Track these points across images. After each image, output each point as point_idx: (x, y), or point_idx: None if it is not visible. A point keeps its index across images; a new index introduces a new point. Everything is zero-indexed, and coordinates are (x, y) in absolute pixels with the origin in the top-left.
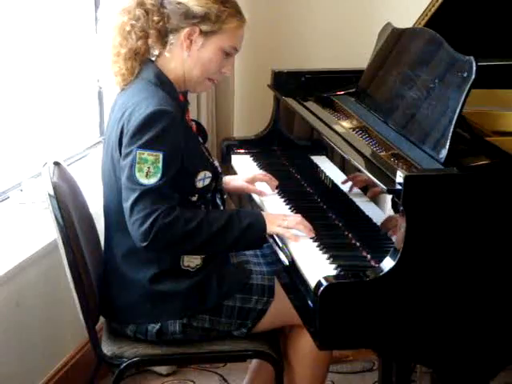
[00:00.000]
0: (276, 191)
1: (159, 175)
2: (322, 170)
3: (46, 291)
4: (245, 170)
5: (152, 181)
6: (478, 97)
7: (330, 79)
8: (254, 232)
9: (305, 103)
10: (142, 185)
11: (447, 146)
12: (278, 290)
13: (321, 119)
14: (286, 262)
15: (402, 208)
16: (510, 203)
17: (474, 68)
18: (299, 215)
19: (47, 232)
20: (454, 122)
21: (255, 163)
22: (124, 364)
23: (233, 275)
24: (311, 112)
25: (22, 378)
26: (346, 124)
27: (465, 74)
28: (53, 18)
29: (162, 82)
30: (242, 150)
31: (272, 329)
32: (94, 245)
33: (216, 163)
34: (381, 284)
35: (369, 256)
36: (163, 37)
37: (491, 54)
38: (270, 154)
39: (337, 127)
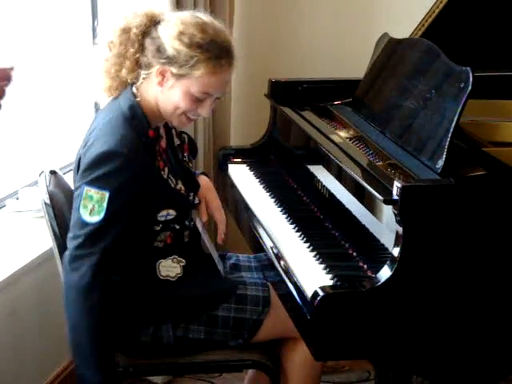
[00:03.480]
0: (273, 200)
1: (102, 214)
2: (319, 180)
3: (40, 300)
4: (241, 180)
5: (94, 219)
6: (475, 107)
7: (326, 89)
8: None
9: (302, 112)
10: (83, 222)
11: (444, 157)
12: (275, 301)
13: (317, 129)
14: (282, 272)
15: (398, 218)
16: (506, 213)
17: (471, 79)
18: None
19: (43, 241)
20: (450, 133)
21: (251, 172)
22: (119, 373)
23: (220, 286)
24: (308, 121)
25: None
26: (343, 134)
27: (461, 85)
28: (50, 28)
29: (134, 115)
30: (239, 159)
31: (270, 339)
32: None
33: (191, 197)
34: (377, 294)
35: (365, 266)
36: (137, 68)
37: (488, 65)
38: (266, 163)
39: (333, 137)
